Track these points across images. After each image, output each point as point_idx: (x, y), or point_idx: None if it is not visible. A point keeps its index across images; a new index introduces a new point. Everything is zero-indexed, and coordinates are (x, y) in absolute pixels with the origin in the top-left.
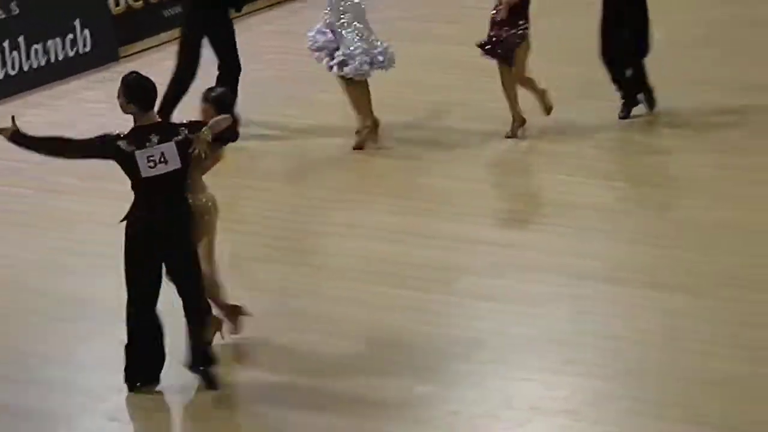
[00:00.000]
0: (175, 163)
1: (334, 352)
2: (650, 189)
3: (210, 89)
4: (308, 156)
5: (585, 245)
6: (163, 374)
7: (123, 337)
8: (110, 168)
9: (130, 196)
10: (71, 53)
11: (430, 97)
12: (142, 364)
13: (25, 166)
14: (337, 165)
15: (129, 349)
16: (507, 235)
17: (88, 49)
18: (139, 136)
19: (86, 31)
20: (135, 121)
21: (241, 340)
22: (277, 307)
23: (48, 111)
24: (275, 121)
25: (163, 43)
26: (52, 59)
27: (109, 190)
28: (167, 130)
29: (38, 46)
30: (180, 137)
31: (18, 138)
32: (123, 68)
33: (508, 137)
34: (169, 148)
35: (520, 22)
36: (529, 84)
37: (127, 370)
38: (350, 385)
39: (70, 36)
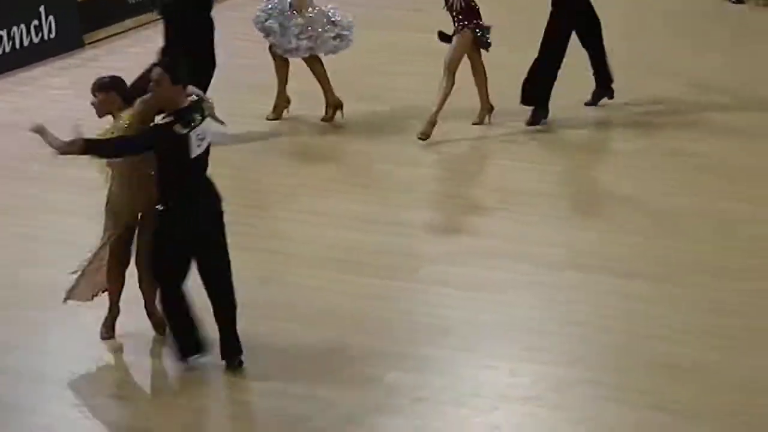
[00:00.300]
0: (209, 137)
1: (300, 340)
2: (613, 178)
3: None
4: (274, 144)
5: (549, 233)
6: (132, 361)
7: (88, 324)
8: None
9: (93, 183)
10: (36, 39)
11: (395, 84)
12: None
13: None
14: (302, 153)
15: (172, 328)
16: (471, 222)
17: (53, 35)
18: (185, 117)
19: (51, 18)
20: (176, 104)
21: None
22: (242, 295)
23: (13, 97)
24: (242, 109)
25: (127, 30)
26: (17, 45)
27: (74, 178)
28: (199, 105)
29: (2, 33)
30: (207, 111)
31: (89, 147)
32: (87, 55)
33: (476, 124)
34: (208, 123)
35: (460, 16)
36: (451, 79)
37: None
38: (317, 371)
39: (35, 22)
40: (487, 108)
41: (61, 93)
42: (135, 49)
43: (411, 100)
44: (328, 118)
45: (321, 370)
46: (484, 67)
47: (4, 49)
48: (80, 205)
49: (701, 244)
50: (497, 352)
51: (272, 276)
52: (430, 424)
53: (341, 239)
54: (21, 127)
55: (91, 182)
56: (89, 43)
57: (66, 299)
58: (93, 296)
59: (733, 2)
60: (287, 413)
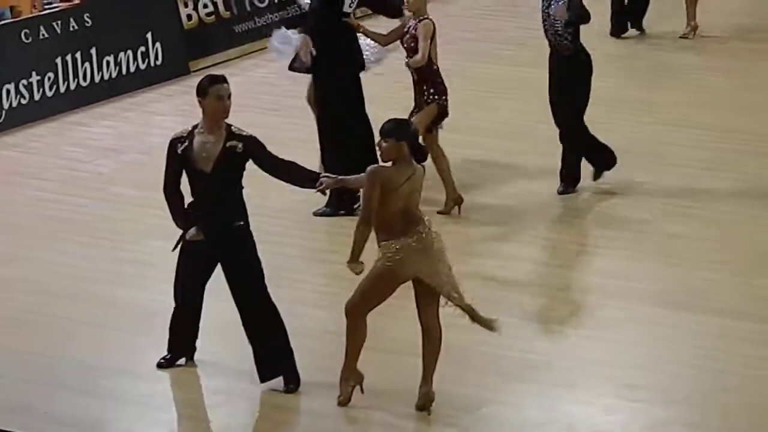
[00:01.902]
0: None
1: (401, 370)
2: (709, 219)
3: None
4: None
5: (649, 270)
6: (219, 386)
7: None
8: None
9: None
10: (142, 66)
11: (496, 117)
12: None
13: (86, 175)
14: None
15: None
16: (571, 257)
17: (159, 62)
18: None
19: (158, 45)
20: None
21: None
22: (333, 323)
23: (116, 122)
24: None
25: (233, 59)
26: (123, 71)
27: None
28: None
29: (110, 58)
30: None
31: None
32: (192, 82)
33: (440, 213)
34: None
35: (425, 87)
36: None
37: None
38: (409, 402)
39: (142, 49)
40: (455, 198)
41: (165, 119)
42: (239, 78)
43: (510, 134)
44: None
45: (414, 399)
46: (442, 150)
47: (110, 74)
48: (173, 228)
49: None
50: (593, 389)
51: None
52: None
53: None
54: (122, 152)
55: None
56: (194, 71)
57: None
58: None
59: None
60: None
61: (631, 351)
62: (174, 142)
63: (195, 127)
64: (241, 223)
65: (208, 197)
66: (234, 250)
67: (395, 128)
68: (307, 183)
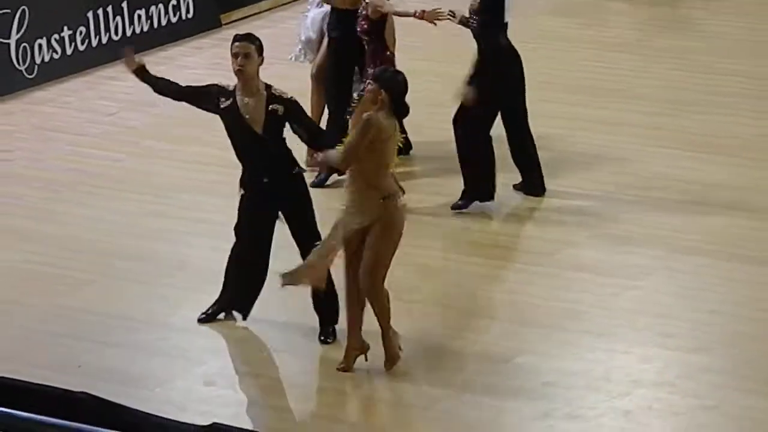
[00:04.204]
0: None
1: (436, 320)
2: (746, 167)
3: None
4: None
5: (684, 219)
6: (257, 338)
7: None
8: (207, 132)
9: (224, 161)
10: (174, 19)
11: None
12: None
13: (119, 130)
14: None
15: None
16: (606, 207)
17: (190, 15)
18: None
19: None
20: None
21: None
22: None
23: None
24: None
25: (263, 11)
26: (155, 25)
27: (202, 154)
28: None
29: (141, 12)
30: None
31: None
32: (223, 35)
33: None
34: None
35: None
36: None
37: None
38: (446, 352)
39: (173, 2)
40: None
41: (196, 73)
42: (269, 30)
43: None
44: None
45: (450, 351)
46: None
47: (142, 28)
48: (210, 182)
49: None
50: (630, 338)
51: (406, 261)
52: (561, 409)
53: (476, 221)
54: (154, 106)
55: (222, 159)
56: (226, 24)
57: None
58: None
59: None
60: (413, 394)
61: (664, 300)
62: (216, 91)
63: (235, 87)
64: (297, 168)
65: (263, 155)
66: (296, 195)
67: (379, 75)
68: None
